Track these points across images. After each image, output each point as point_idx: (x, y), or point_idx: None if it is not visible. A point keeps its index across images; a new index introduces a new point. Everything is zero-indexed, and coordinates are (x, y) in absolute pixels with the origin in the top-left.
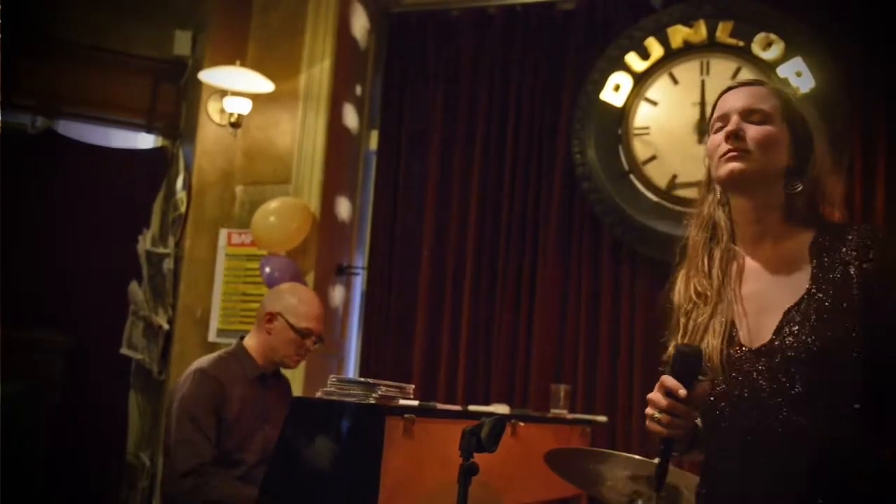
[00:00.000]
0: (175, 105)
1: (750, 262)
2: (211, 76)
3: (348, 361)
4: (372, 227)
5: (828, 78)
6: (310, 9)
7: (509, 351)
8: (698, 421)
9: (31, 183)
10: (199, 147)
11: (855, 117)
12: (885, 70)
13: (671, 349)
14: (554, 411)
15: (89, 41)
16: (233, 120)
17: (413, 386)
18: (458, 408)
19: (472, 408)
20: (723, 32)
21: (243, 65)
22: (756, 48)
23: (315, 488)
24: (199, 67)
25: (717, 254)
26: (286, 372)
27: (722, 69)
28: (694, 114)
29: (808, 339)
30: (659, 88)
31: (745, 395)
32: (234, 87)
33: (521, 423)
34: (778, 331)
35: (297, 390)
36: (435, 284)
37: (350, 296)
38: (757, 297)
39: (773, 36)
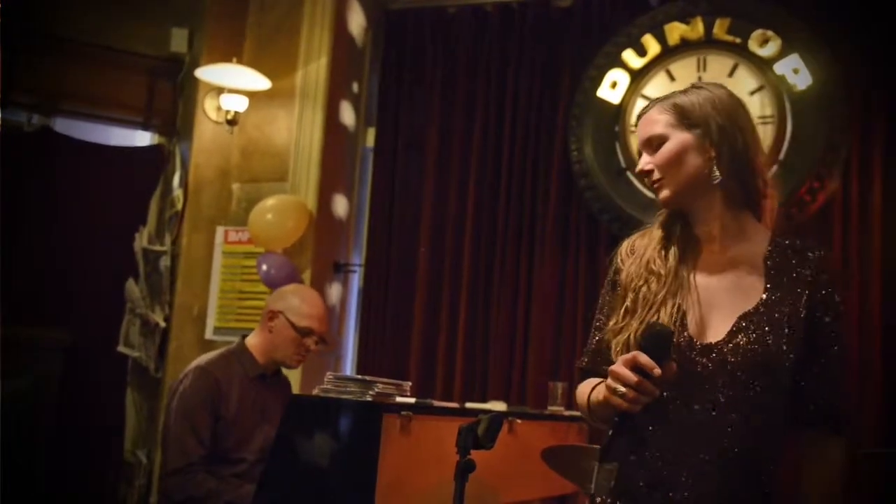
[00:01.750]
0: (172, 102)
1: (707, 256)
2: (207, 73)
3: (345, 359)
4: (369, 225)
5: (825, 75)
6: (306, 6)
7: (506, 348)
8: None
9: (27, 181)
10: (196, 144)
11: (852, 114)
12: (883, 67)
13: (634, 326)
14: (551, 408)
15: (86, 39)
16: (229, 117)
17: (410, 383)
18: (455, 405)
19: (469, 405)
20: (720, 29)
21: (240, 62)
22: (753, 45)
23: (312, 485)
24: (195, 65)
25: (674, 237)
26: (286, 371)
27: (719, 66)
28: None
29: (756, 348)
30: (656, 85)
31: (685, 384)
32: (230, 85)
33: (519, 421)
34: (731, 334)
35: (294, 388)
36: (432, 282)
37: (347, 293)
38: (708, 292)
39: (769, 33)
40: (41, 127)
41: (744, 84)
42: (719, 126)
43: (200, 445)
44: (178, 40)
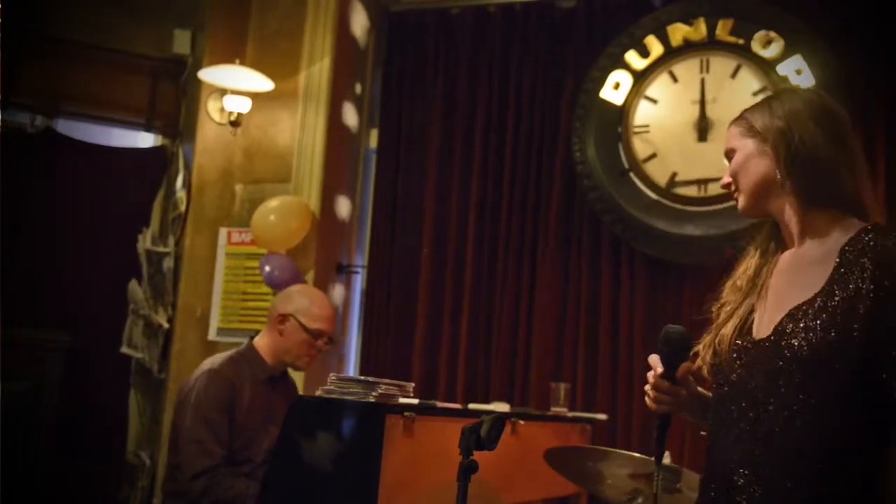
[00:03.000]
0: (175, 104)
1: (784, 257)
2: (210, 75)
3: (348, 360)
4: (372, 226)
5: (828, 76)
6: (309, 7)
7: (509, 349)
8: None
9: (30, 182)
10: (199, 146)
11: (855, 116)
12: (886, 68)
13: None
14: (554, 409)
15: (89, 40)
16: (232, 119)
17: (413, 384)
18: (457, 406)
19: (472, 406)
20: (722, 30)
21: (243, 63)
22: (756, 46)
23: (315, 486)
24: (198, 66)
25: (758, 253)
26: (292, 372)
27: (722, 67)
28: (693, 112)
29: (801, 341)
30: (659, 86)
31: (739, 384)
32: (233, 86)
33: (521, 422)
34: (777, 328)
35: (297, 389)
36: (435, 283)
37: (350, 294)
38: (776, 292)
39: (772, 34)
40: (44, 128)
41: (747, 85)
42: (777, 129)
43: (221, 447)
44: (181, 42)
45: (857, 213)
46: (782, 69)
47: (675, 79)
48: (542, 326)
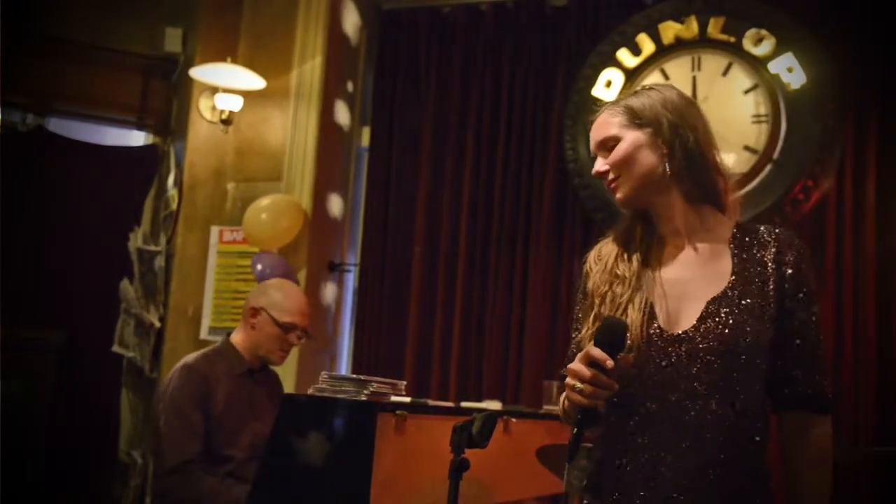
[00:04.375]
0: (166, 102)
1: (671, 250)
2: (202, 73)
3: (341, 358)
4: (364, 224)
5: (819, 74)
6: (301, 6)
7: (502, 347)
8: None
9: (21, 181)
10: (191, 144)
11: (846, 113)
12: (877, 66)
13: (587, 326)
14: (546, 407)
15: (80, 38)
16: (224, 117)
17: (405, 382)
18: (450, 404)
19: (464, 404)
20: (714, 28)
21: (234, 62)
22: (747, 44)
23: (307, 485)
24: (190, 64)
25: (637, 239)
26: (278, 368)
27: (713, 65)
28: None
29: (725, 332)
30: (657, 82)
31: (658, 377)
32: (225, 84)
33: (514, 420)
34: (700, 320)
35: (289, 387)
36: (427, 281)
37: (342, 293)
38: (678, 284)
39: (764, 31)
40: (35, 127)
41: (738, 83)
42: (670, 123)
43: (195, 443)
44: (173, 40)
45: (722, 209)
46: (774, 67)
47: (666, 77)
48: (535, 324)
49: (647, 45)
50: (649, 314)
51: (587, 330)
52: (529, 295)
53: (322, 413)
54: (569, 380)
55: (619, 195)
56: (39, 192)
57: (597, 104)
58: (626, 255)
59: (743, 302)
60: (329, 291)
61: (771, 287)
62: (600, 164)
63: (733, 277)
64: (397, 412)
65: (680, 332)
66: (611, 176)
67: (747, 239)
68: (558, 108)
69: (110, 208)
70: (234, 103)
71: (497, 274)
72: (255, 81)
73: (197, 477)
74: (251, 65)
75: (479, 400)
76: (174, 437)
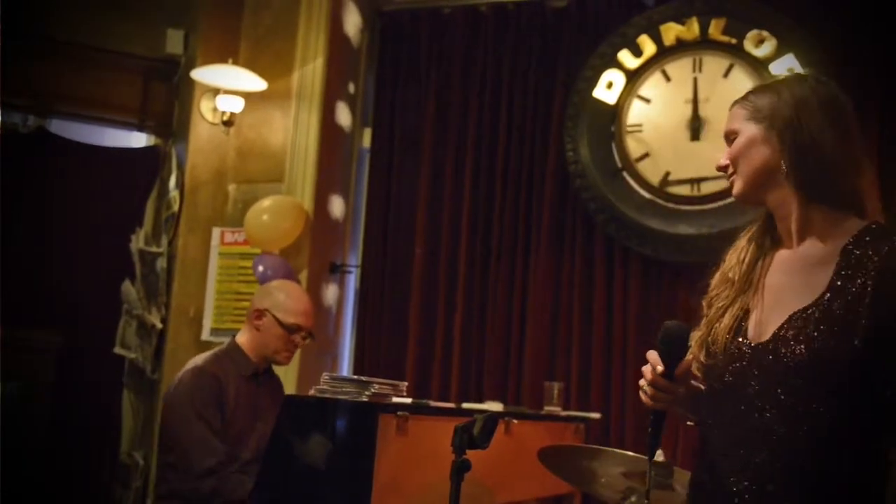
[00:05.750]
0: (167, 104)
1: (782, 255)
2: (203, 75)
3: (342, 360)
4: (365, 225)
5: (821, 75)
6: (302, 7)
7: (503, 348)
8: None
9: (23, 182)
10: (192, 145)
11: None
12: (878, 68)
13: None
14: (547, 408)
15: (81, 40)
16: (225, 118)
17: (406, 383)
18: (451, 405)
19: (465, 405)
20: (715, 29)
21: (236, 63)
22: (748, 45)
23: (309, 485)
24: (191, 66)
25: (752, 245)
26: (280, 370)
27: (714, 66)
28: (686, 111)
29: (799, 348)
30: (652, 86)
31: (736, 386)
32: (226, 86)
33: (515, 421)
34: (776, 333)
35: (290, 388)
36: (428, 282)
37: (343, 294)
38: (775, 291)
39: (765, 33)
40: (36, 128)
41: (740, 84)
42: (786, 118)
43: (220, 443)
44: (174, 41)
45: (857, 211)
46: (775, 68)
47: (667, 78)
48: (536, 325)
49: (649, 47)
50: (741, 321)
51: (698, 331)
52: (531, 295)
53: (323, 414)
54: (641, 381)
55: (735, 189)
56: (40, 194)
57: (597, 106)
58: (742, 256)
59: (827, 317)
60: (330, 293)
61: (868, 299)
62: (722, 158)
63: (827, 290)
64: (398, 413)
65: (759, 343)
66: (729, 170)
67: (863, 245)
68: (559, 110)
69: (112, 210)
70: (235, 105)
71: (498, 274)
72: (257, 83)
73: (235, 479)
74: (252, 66)
75: (481, 401)
76: (202, 438)
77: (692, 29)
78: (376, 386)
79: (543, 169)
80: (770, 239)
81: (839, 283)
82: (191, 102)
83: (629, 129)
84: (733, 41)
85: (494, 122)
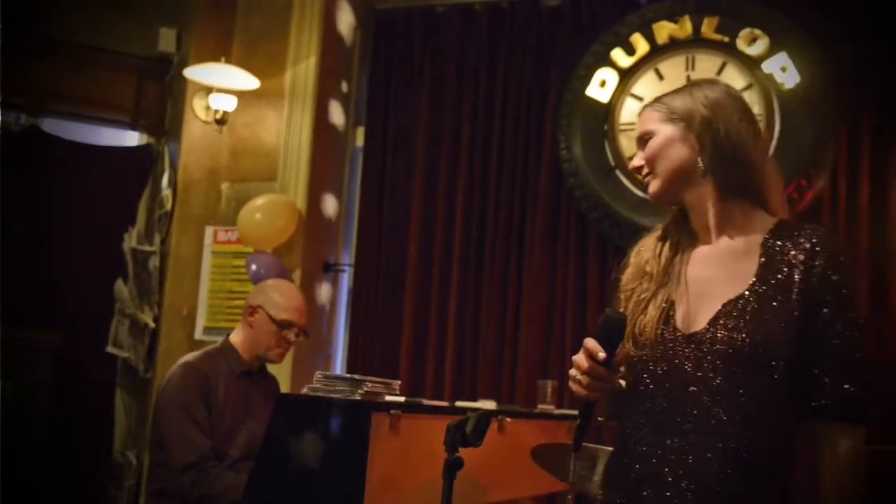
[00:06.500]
0: (160, 102)
1: (702, 248)
2: (196, 73)
3: (335, 359)
4: (359, 224)
5: (813, 73)
6: (295, 5)
7: (496, 347)
8: (622, 384)
9: (15, 181)
10: (185, 144)
11: (840, 113)
12: (871, 66)
13: None
14: (541, 407)
15: (74, 38)
16: (218, 117)
17: (399, 382)
18: (444, 404)
19: (458, 404)
20: (708, 28)
21: (229, 62)
22: (741, 44)
23: (301, 484)
24: (184, 64)
25: (670, 234)
26: (273, 368)
27: (707, 65)
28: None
29: (738, 336)
30: (645, 84)
31: (670, 376)
32: (219, 84)
33: (508, 419)
34: (712, 321)
35: (284, 387)
36: (422, 281)
37: (337, 293)
38: (699, 283)
39: (757, 31)
40: (29, 127)
41: (732, 82)
42: (702, 117)
43: (206, 437)
44: (167, 40)
45: (765, 206)
46: (767, 66)
47: (661, 76)
48: (529, 324)
49: (642, 45)
50: (668, 312)
51: None
52: (524, 294)
53: (316, 412)
54: (571, 370)
55: (651, 188)
56: (33, 193)
57: (590, 104)
58: (658, 251)
59: (759, 306)
60: (324, 291)
61: (796, 290)
62: (636, 159)
63: (755, 279)
64: (391, 412)
65: (692, 332)
66: (645, 170)
67: (782, 238)
68: (553, 108)
69: (104, 209)
70: (228, 103)
71: (492, 272)
72: (250, 81)
73: (216, 473)
74: (245, 65)
75: (474, 399)
76: (184, 433)
77: (685, 27)
78: (369, 384)
79: (537, 167)
80: (685, 234)
81: (765, 273)
82: (184, 101)
83: (622, 127)
84: (726, 40)
85: (488, 120)
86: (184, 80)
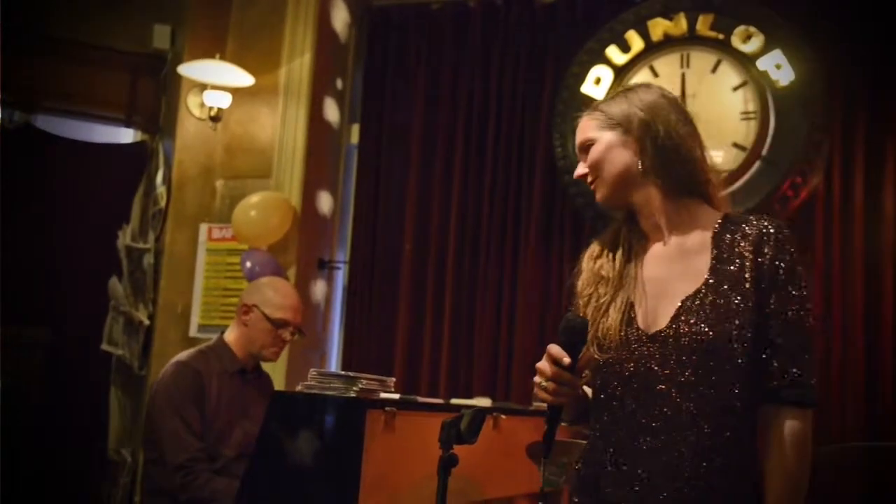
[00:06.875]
0: (155, 99)
1: (655, 248)
2: (190, 70)
3: (330, 356)
4: (353, 222)
5: (808, 71)
6: (290, 2)
7: (492, 344)
8: (589, 392)
9: (8, 178)
10: (179, 141)
11: (834, 110)
12: (865, 64)
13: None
14: (536, 404)
15: (68, 35)
16: (213, 114)
17: (394, 379)
18: (439, 401)
19: (453, 401)
20: (703, 25)
21: (223, 59)
22: (736, 41)
23: (296, 481)
24: (178, 61)
25: (622, 238)
26: (268, 366)
27: (702, 62)
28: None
29: (701, 329)
30: (640, 81)
31: (637, 377)
32: (213, 81)
33: (503, 416)
34: (674, 319)
35: (279, 385)
36: (417, 278)
37: (332, 290)
38: (657, 283)
39: (752, 28)
40: (22, 124)
41: (727, 79)
42: (641, 120)
43: (196, 438)
44: (161, 37)
45: (710, 201)
46: (762, 64)
47: (655, 74)
48: (524, 321)
49: (637, 42)
50: (629, 314)
51: None
52: (519, 291)
53: (311, 410)
54: (536, 378)
55: (598, 195)
56: (27, 190)
57: (585, 102)
58: (611, 255)
59: (717, 299)
60: (319, 289)
61: (748, 280)
62: (580, 168)
63: (709, 273)
64: (386, 409)
65: (655, 331)
66: (589, 178)
67: (730, 232)
68: (547, 106)
69: (98, 206)
70: (222, 100)
71: (487, 270)
72: (244, 78)
73: (205, 477)
74: (240, 62)
75: (469, 397)
76: (176, 433)
77: (680, 25)
78: (364, 381)
79: (532, 165)
80: (636, 236)
81: (718, 266)
82: (178, 98)
83: None
84: (721, 37)
85: (483, 118)
86: (178, 77)
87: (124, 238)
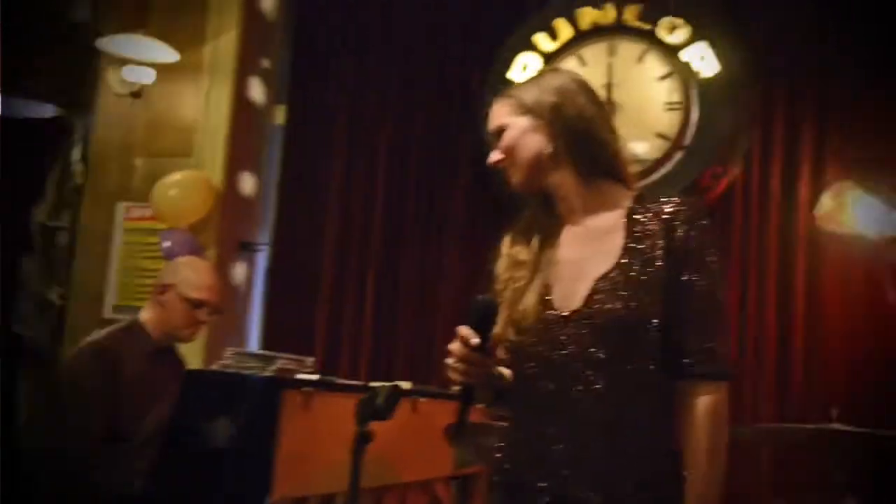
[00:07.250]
0: (73, 74)
1: (569, 230)
2: (111, 44)
3: (250, 340)
4: (277, 204)
5: (731, 63)
6: None
7: (413, 329)
8: (507, 373)
9: None
10: (99, 117)
11: (755, 102)
12: (785, 57)
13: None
14: (454, 388)
15: None
16: (134, 90)
17: (313, 358)
18: (358, 383)
19: (372, 384)
20: (630, 15)
21: (146, 33)
22: (661, 32)
23: (209, 463)
24: (98, 35)
25: (537, 222)
26: (185, 348)
27: (629, 52)
28: (601, 96)
29: (614, 308)
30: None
31: (554, 358)
32: (135, 56)
33: (422, 399)
34: (588, 298)
35: (197, 365)
36: (339, 262)
37: (253, 272)
38: (572, 264)
39: (678, 20)
40: None
41: (653, 70)
42: (551, 104)
43: (101, 423)
44: (81, 9)
45: (623, 181)
46: (686, 55)
47: (583, 62)
48: (447, 307)
49: (565, 30)
50: (545, 296)
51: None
52: (443, 275)
53: (226, 389)
54: (447, 359)
55: (513, 181)
56: None
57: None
58: (528, 240)
59: (630, 277)
60: (239, 270)
61: (660, 258)
62: (494, 154)
63: (623, 252)
64: (303, 389)
65: (570, 311)
66: (502, 165)
67: (641, 211)
68: (476, 90)
69: (12, 182)
70: (144, 76)
71: (411, 254)
72: (167, 54)
73: (102, 461)
74: (163, 37)
75: (390, 380)
76: (78, 416)
77: (608, 14)
78: (281, 361)
79: (458, 151)
80: (551, 219)
81: (632, 244)
82: (98, 73)
83: None
84: (647, 27)
85: (411, 100)
86: (98, 52)
87: (39, 216)
